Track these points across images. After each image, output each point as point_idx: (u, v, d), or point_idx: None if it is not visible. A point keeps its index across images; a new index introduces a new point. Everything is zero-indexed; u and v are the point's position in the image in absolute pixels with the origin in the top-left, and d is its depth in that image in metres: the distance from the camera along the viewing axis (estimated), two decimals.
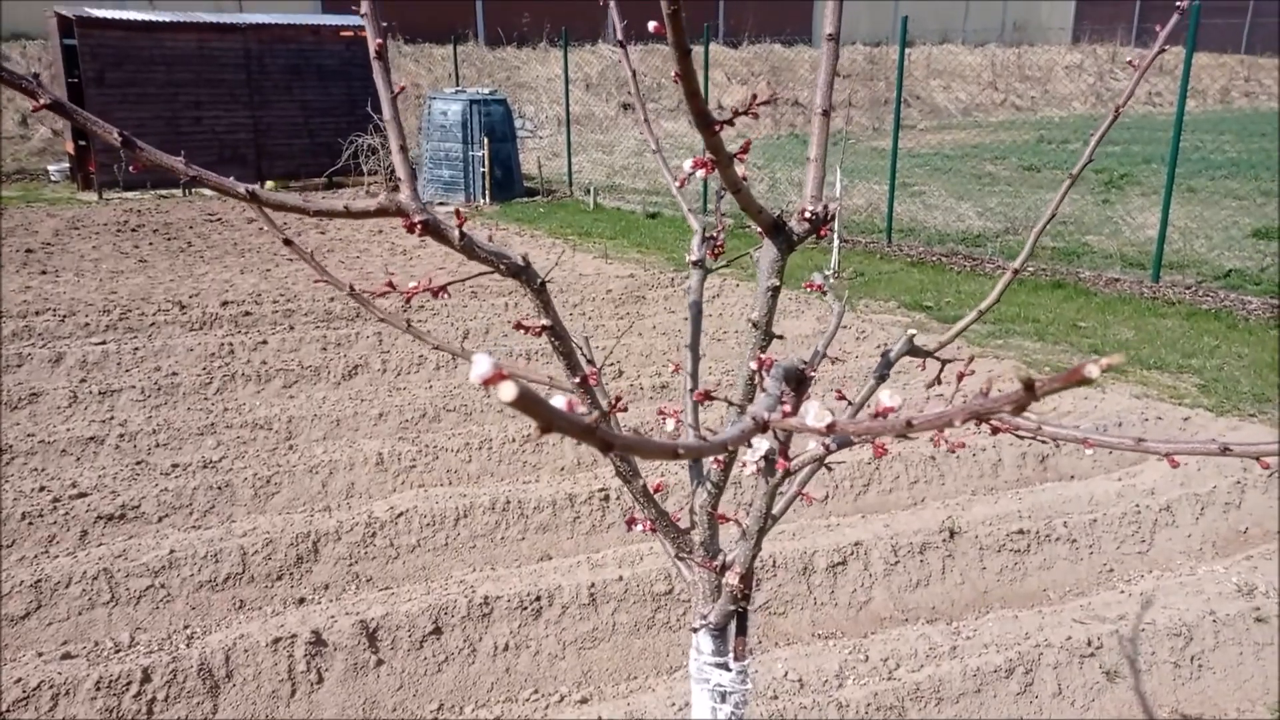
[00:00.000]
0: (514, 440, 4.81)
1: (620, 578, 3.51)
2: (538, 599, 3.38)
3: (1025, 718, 3.03)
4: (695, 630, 1.32)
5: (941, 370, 1.42)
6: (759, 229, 1.22)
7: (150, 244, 10.07)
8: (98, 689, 2.90)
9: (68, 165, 14.31)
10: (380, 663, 3.20)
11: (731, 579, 1.21)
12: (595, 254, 10.18)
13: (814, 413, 0.68)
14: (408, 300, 1.18)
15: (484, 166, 13.19)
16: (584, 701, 2.98)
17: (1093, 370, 0.46)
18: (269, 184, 14.28)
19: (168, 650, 3.11)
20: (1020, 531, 4.07)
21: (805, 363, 1.07)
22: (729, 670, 1.39)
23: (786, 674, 3.02)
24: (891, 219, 11.14)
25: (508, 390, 0.46)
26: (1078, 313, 8.02)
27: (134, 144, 0.95)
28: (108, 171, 12.89)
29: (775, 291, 1.24)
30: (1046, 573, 3.99)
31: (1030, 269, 9.67)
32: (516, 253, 1.12)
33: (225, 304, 7.37)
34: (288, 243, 1.38)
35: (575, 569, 3.58)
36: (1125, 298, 8.50)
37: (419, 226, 1.05)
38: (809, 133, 1.21)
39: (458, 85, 16.82)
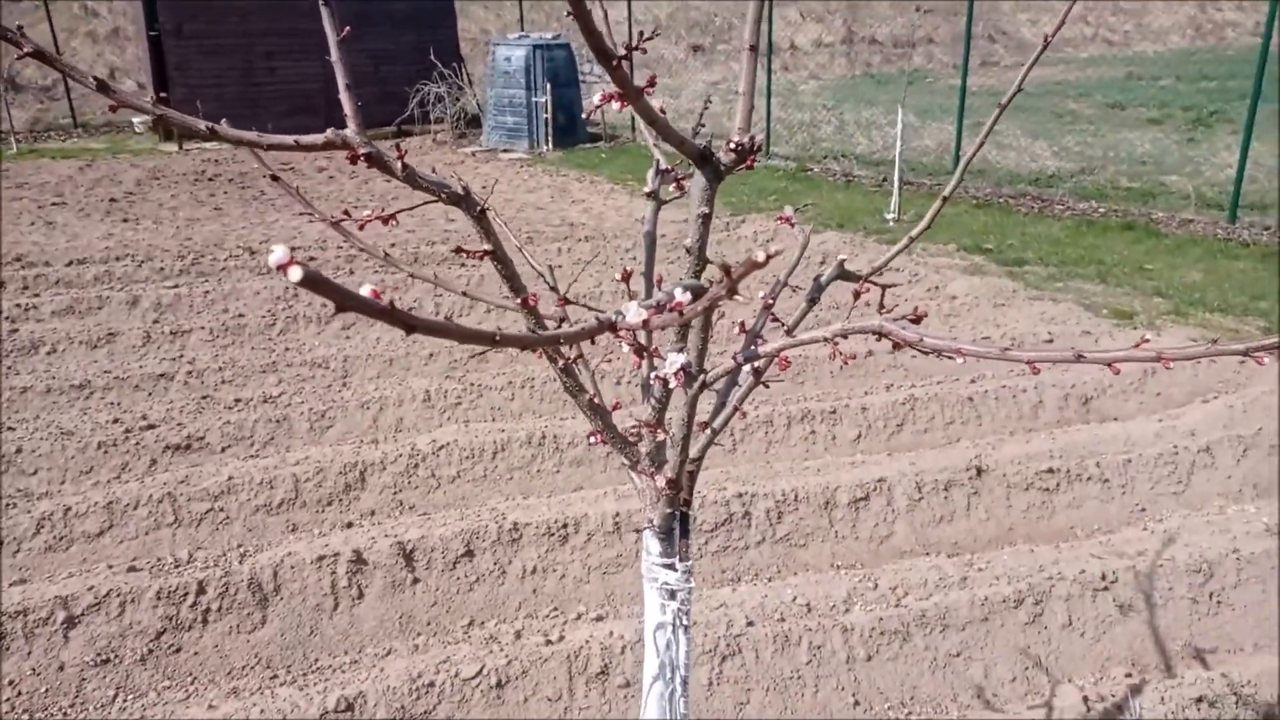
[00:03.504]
0: (556, 379, 4.97)
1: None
2: (564, 526, 3.55)
3: (1032, 646, 3.10)
4: (639, 531, 1.44)
5: (877, 292, 1.49)
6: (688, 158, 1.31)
7: (225, 193, 10.48)
8: (159, 598, 3.19)
9: (149, 117, 14.85)
10: (416, 581, 3.42)
11: (659, 481, 1.33)
12: None
13: (633, 311, 0.78)
14: (361, 228, 1.30)
15: (547, 112, 13.26)
16: (599, 619, 3.15)
17: (759, 255, 0.55)
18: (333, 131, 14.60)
19: (222, 566, 3.37)
20: (1050, 470, 4.08)
21: (700, 282, 1.16)
22: (675, 570, 1.51)
23: (795, 599, 3.13)
24: (959, 160, 10.89)
25: (295, 272, 0.58)
26: (1146, 255, 7.79)
27: (108, 87, 1.08)
28: None
29: (705, 218, 1.33)
30: (1075, 511, 4.00)
31: (1100, 209, 9.38)
32: (456, 183, 1.23)
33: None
34: (274, 179, 1.51)
35: (601, 499, 3.74)
36: (1198, 239, 8.21)
37: (362, 158, 1.17)
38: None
39: (522, 30, 16.84)
